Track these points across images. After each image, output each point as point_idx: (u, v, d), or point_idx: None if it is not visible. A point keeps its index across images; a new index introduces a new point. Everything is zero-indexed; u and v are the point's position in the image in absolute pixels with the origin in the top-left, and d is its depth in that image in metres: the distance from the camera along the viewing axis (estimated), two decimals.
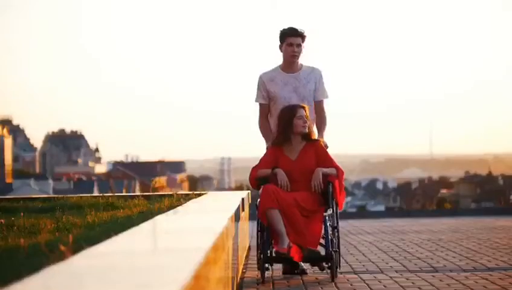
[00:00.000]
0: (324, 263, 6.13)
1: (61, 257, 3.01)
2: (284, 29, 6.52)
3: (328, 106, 6.65)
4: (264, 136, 6.66)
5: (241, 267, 6.84)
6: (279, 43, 6.53)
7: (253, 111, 6.72)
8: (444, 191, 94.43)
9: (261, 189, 6.08)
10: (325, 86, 6.60)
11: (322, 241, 6.05)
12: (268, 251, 6.00)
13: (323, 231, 5.97)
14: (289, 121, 6.20)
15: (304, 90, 6.50)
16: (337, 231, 6.21)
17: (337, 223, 6.21)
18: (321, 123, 6.55)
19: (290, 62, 6.52)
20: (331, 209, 6.12)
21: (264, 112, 6.62)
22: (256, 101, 6.65)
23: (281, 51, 6.55)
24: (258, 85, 6.61)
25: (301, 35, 6.49)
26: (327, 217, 6.01)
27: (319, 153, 6.25)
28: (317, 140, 6.31)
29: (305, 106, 6.28)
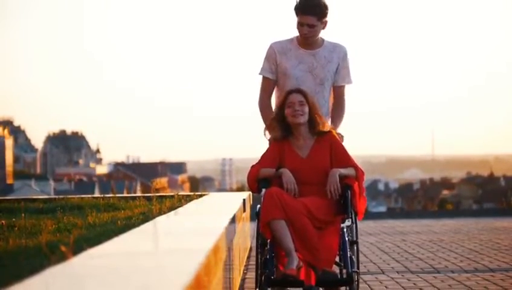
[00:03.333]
0: (342, 287, 4.82)
1: (62, 258, 3.00)
2: (296, 2, 5.30)
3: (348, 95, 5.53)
4: (264, 117, 5.41)
5: (242, 268, 6.83)
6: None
7: (255, 112, 5.66)
8: (445, 192, 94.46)
9: (262, 193, 4.95)
10: (350, 69, 5.46)
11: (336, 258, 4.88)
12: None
13: (339, 247, 4.80)
14: (281, 110, 5.09)
15: (322, 71, 5.36)
16: (357, 247, 5.04)
17: (357, 236, 5.06)
18: (338, 112, 5.43)
19: (304, 41, 5.38)
20: (350, 220, 4.93)
21: (269, 87, 5.44)
22: (260, 73, 5.45)
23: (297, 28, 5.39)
24: (266, 54, 5.42)
25: (316, 13, 5.24)
26: (345, 230, 4.86)
27: (334, 149, 5.08)
28: (328, 131, 5.10)
29: (302, 90, 5.11)
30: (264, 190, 4.94)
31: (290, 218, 4.73)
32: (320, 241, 4.71)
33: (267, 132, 5.24)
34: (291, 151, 5.06)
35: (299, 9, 5.26)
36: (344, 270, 4.74)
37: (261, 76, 5.44)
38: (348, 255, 4.76)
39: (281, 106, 5.05)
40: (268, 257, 4.79)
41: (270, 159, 5.08)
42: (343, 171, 4.97)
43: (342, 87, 5.43)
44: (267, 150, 5.15)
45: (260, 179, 5.00)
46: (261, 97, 5.44)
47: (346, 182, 4.93)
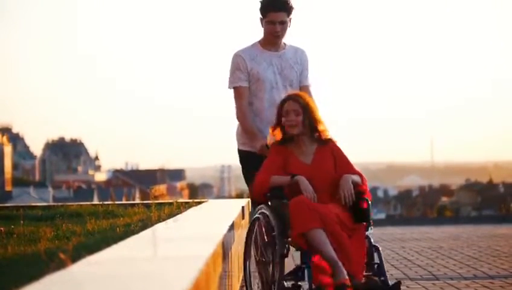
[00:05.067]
0: None
1: (60, 265, 3.00)
2: (264, 1, 5.24)
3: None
4: (248, 129, 5.26)
5: (241, 275, 6.82)
6: (260, 16, 5.32)
7: None
8: (444, 198, 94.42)
9: (276, 202, 4.78)
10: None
11: None
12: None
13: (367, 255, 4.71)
14: (279, 119, 4.94)
15: (290, 72, 5.36)
16: (380, 255, 4.80)
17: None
18: None
19: (272, 43, 5.35)
20: (372, 228, 4.84)
21: (245, 94, 5.30)
22: (233, 84, 5.30)
23: (262, 26, 5.34)
24: (234, 64, 5.30)
25: (286, 9, 5.22)
26: (370, 237, 4.78)
27: (337, 156, 4.99)
28: (329, 139, 5.00)
29: (297, 94, 5.02)
30: (274, 200, 4.78)
31: (326, 226, 4.56)
32: (353, 250, 4.59)
33: (269, 136, 5.09)
34: (294, 157, 4.91)
35: (271, 7, 5.20)
36: (375, 278, 4.65)
37: (234, 88, 5.31)
38: (383, 263, 4.70)
39: (278, 112, 4.92)
40: (304, 267, 4.54)
41: (276, 167, 4.88)
42: (354, 177, 4.87)
43: (308, 86, 5.44)
44: (270, 157, 4.94)
45: (273, 187, 4.78)
46: (240, 105, 5.29)
47: (359, 189, 4.86)
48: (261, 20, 5.31)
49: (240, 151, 5.53)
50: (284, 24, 5.23)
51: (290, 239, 4.70)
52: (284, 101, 4.92)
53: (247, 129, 5.28)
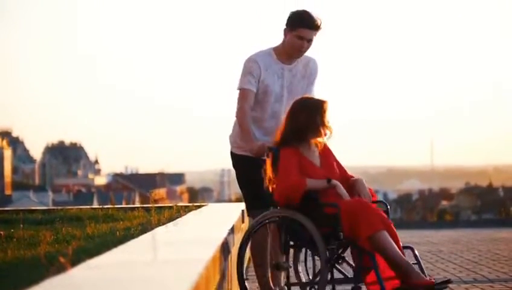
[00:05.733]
0: None
1: (60, 269, 3.00)
2: (297, 14, 5.16)
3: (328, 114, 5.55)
4: (245, 129, 5.20)
5: None
6: (285, 26, 5.22)
7: None
8: (444, 202, 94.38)
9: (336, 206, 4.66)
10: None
11: None
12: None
13: None
14: (321, 118, 4.84)
15: (297, 87, 5.33)
16: (416, 255, 4.98)
17: None
18: None
19: (292, 57, 5.28)
20: None
21: (251, 99, 5.23)
22: (243, 86, 5.23)
23: (285, 36, 5.24)
24: (248, 68, 5.24)
25: (318, 29, 5.17)
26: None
27: (334, 158, 5.03)
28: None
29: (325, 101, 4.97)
30: (310, 203, 4.72)
31: (387, 228, 4.63)
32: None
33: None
34: (306, 159, 4.88)
35: (305, 23, 5.13)
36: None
37: (240, 89, 5.25)
38: (421, 262, 4.87)
39: (321, 113, 4.86)
40: (374, 269, 4.59)
41: (297, 169, 4.80)
42: (363, 181, 4.90)
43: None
44: (288, 159, 4.83)
45: (310, 191, 4.74)
46: (243, 106, 5.22)
47: (371, 193, 4.91)
48: (286, 30, 5.22)
49: (235, 155, 5.49)
50: (310, 42, 5.19)
51: (343, 240, 4.67)
52: (325, 104, 4.89)
53: (244, 129, 5.20)
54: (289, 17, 5.22)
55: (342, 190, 4.76)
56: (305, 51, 5.24)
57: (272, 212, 4.96)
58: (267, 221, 5.00)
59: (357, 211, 4.60)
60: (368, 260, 4.61)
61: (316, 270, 4.87)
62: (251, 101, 5.25)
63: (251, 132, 5.22)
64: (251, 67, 5.25)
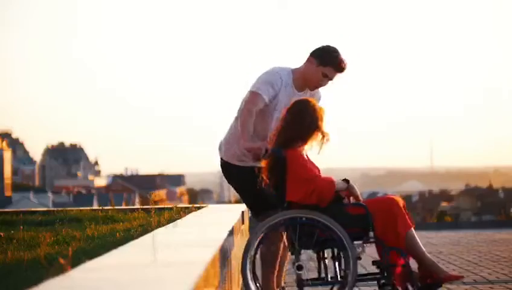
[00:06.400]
0: None
1: (60, 271, 3.00)
2: (331, 53, 5.21)
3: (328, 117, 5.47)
4: (247, 129, 5.11)
5: (240, 280, 6.81)
6: (313, 56, 5.24)
7: None
8: (444, 204, 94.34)
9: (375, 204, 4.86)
10: None
11: None
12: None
13: None
14: (321, 122, 4.96)
15: None
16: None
17: None
18: None
19: (307, 87, 5.31)
20: None
21: (260, 107, 5.20)
22: (257, 90, 5.17)
23: (309, 64, 5.25)
24: (271, 79, 5.20)
25: (343, 72, 5.27)
26: None
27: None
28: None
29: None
30: (335, 203, 4.79)
31: (413, 226, 4.88)
32: None
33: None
34: (310, 161, 4.96)
35: (335, 66, 5.17)
36: None
37: (255, 93, 5.18)
38: None
39: (320, 116, 4.95)
40: (406, 267, 4.78)
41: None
42: None
43: None
44: (302, 158, 4.88)
45: (336, 191, 4.87)
46: (251, 109, 5.15)
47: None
48: (314, 62, 5.21)
49: (234, 166, 5.36)
50: (330, 80, 5.24)
51: (372, 240, 4.81)
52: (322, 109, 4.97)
53: (247, 128, 5.11)
54: (321, 51, 5.21)
55: (357, 191, 4.91)
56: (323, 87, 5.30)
57: (289, 213, 4.83)
58: (282, 222, 4.86)
59: (394, 210, 4.79)
60: (396, 258, 4.79)
61: (323, 268, 4.94)
62: (258, 108, 5.19)
63: (251, 131, 5.16)
64: (276, 79, 5.20)
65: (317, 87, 5.29)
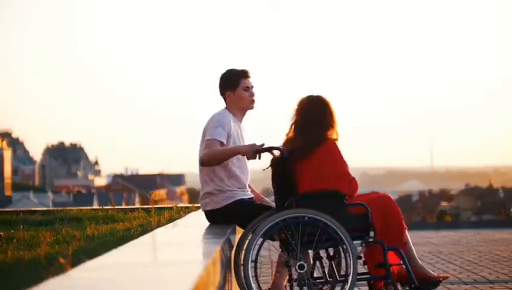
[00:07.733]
0: None
1: (60, 270, 3.00)
2: (232, 71, 5.35)
3: None
4: (223, 151, 5.07)
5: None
6: (226, 90, 5.32)
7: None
8: (444, 203, 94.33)
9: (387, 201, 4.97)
10: None
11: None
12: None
13: None
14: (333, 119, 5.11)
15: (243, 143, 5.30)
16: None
17: None
18: None
19: (247, 109, 5.36)
20: None
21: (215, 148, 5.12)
22: (217, 137, 5.11)
23: (230, 96, 5.32)
24: (224, 121, 5.20)
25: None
26: None
27: None
28: None
29: None
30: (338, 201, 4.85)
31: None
32: None
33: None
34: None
35: (242, 75, 5.28)
36: None
37: (210, 140, 5.10)
38: None
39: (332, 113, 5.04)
40: (406, 264, 4.87)
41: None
42: None
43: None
44: (339, 152, 4.99)
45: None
46: (214, 149, 5.07)
47: None
48: (230, 92, 5.32)
49: (230, 205, 5.15)
50: (253, 87, 5.38)
51: (372, 239, 4.79)
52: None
53: (223, 151, 5.05)
54: (224, 81, 5.33)
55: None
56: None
57: (291, 213, 4.79)
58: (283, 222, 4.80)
59: (397, 207, 4.90)
60: (395, 256, 4.88)
61: (323, 269, 5.03)
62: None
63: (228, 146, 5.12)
64: (226, 121, 5.19)
65: (253, 102, 5.33)
